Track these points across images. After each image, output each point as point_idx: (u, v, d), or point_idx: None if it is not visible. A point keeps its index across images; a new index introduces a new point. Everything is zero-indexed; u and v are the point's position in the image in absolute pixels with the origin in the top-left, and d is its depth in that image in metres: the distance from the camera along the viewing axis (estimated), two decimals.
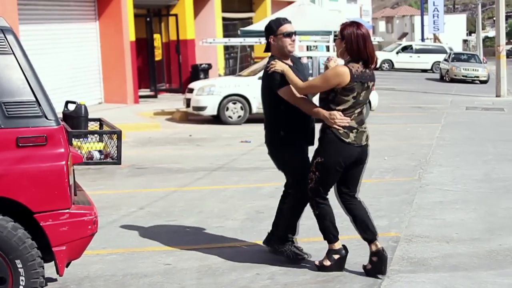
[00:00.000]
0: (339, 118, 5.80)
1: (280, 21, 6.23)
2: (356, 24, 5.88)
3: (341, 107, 5.82)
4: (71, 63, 19.35)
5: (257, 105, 17.40)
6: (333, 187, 6.10)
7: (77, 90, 19.07)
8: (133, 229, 7.54)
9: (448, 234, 7.31)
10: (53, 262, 4.86)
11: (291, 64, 6.18)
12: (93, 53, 20.60)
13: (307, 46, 24.50)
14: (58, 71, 18.30)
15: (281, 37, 6.13)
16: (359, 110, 5.90)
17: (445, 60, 39.56)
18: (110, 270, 6.19)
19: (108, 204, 8.62)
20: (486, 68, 37.31)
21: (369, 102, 16.10)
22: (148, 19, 23.67)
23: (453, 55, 39.77)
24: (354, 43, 5.80)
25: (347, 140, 5.83)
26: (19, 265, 4.66)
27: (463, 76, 36.61)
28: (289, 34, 6.13)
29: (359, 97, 5.83)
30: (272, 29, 6.20)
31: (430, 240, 7.09)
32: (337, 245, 6.08)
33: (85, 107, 5.93)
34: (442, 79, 38.19)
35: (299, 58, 6.89)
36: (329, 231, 6.07)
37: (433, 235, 7.27)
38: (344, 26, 5.88)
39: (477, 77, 36.72)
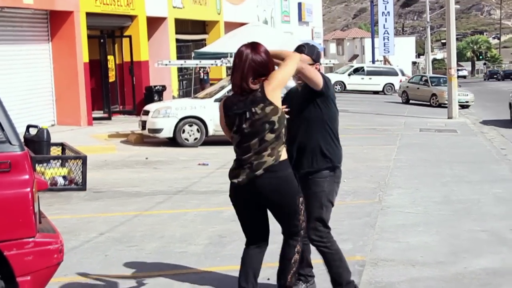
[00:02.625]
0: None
1: None
2: (243, 47, 5.08)
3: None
4: (23, 85, 19.06)
5: (213, 128, 17.33)
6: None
7: (30, 112, 18.78)
8: (95, 255, 7.37)
9: (413, 257, 7.28)
10: None
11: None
12: (45, 74, 20.33)
13: None
14: (10, 93, 17.93)
15: None
16: (246, 144, 5.07)
17: (422, 84, 37.56)
18: None
19: (66, 229, 8.40)
20: (471, 92, 36.21)
21: None
22: (101, 40, 23.47)
23: (430, 79, 37.97)
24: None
25: (230, 177, 5.26)
26: None
27: None
28: None
29: (239, 129, 5.07)
30: None
31: (396, 263, 7.06)
32: None
33: (47, 132, 5.81)
34: (408, 102, 37.27)
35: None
36: None
37: (399, 258, 7.23)
38: None
39: (467, 102, 34.69)
